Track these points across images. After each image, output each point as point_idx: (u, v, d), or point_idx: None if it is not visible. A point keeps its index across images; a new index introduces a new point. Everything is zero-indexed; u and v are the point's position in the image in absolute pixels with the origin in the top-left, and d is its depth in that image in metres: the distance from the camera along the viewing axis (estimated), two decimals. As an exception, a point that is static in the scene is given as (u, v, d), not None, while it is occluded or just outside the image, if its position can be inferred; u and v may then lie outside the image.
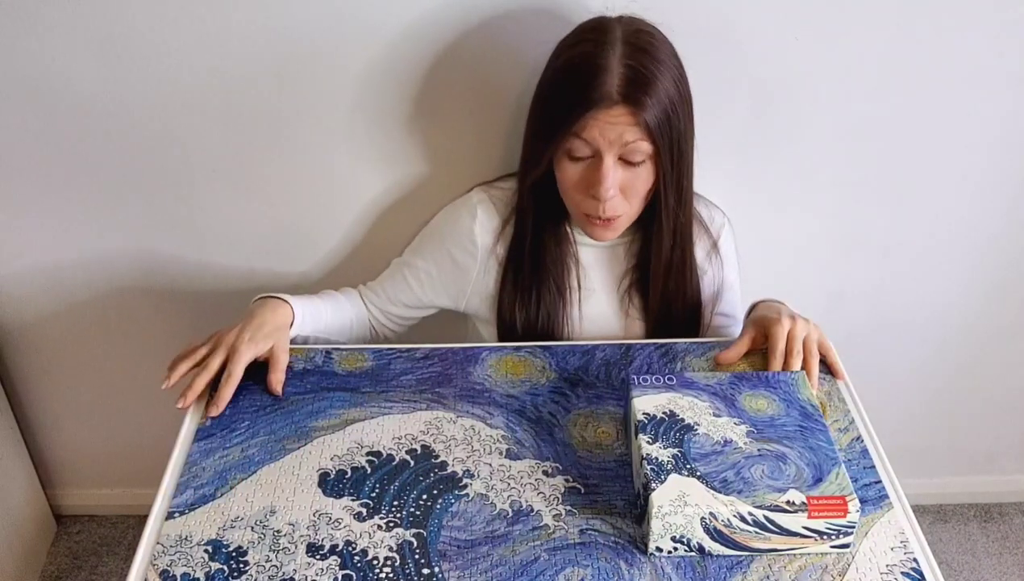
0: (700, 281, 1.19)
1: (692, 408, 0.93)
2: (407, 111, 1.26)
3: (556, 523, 0.89)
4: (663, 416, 0.92)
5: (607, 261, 1.19)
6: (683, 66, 1.06)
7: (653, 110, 1.00)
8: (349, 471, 0.94)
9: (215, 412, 1.00)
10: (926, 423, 1.70)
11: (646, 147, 1.02)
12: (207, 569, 0.84)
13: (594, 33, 1.03)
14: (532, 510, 0.90)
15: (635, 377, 0.97)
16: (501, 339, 1.20)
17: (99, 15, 1.17)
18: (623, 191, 1.05)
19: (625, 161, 1.03)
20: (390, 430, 0.99)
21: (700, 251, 1.19)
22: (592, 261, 1.19)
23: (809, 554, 0.86)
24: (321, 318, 1.17)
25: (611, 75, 0.99)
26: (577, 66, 1.02)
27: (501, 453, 0.96)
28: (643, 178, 1.05)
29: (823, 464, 0.87)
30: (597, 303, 1.19)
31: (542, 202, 1.13)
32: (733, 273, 1.24)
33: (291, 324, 1.11)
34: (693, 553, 0.86)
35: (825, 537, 0.85)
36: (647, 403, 0.93)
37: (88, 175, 1.32)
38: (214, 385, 1.03)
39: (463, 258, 1.19)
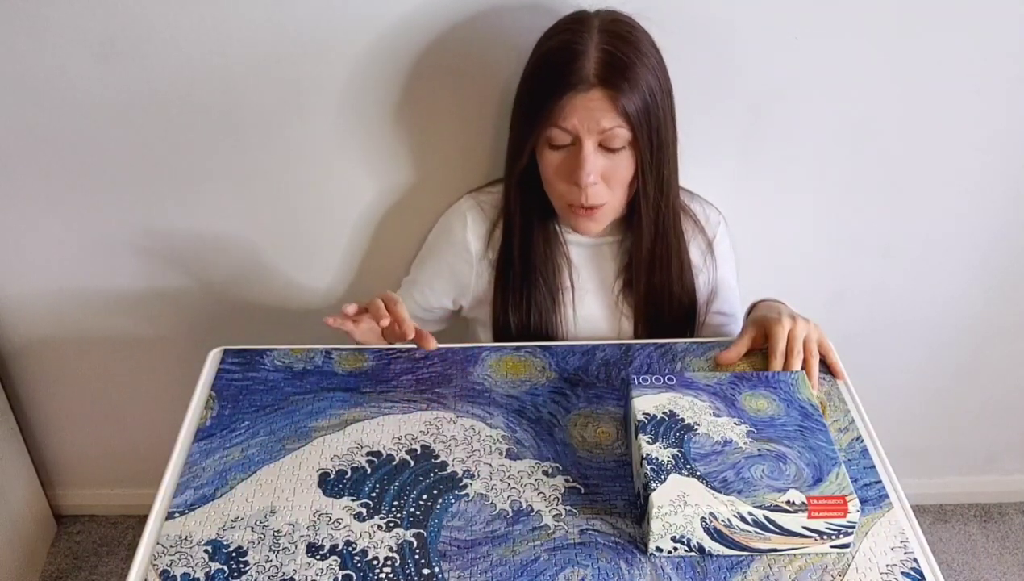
0: (695, 280, 1.19)
1: (692, 408, 0.93)
2: (400, 110, 1.26)
3: (556, 523, 0.89)
4: (663, 416, 0.92)
5: (598, 260, 1.19)
6: (662, 59, 1.06)
7: (631, 95, 1.00)
8: (349, 471, 0.94)
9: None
10: (926, 423, 1.70)
11: (625, 133, 1.02)
12: (207, 569, 0.84)
13: (572, 23, 1.04)
14: (532, 510, 0.90)
15: (635, 377, 0.97)
16: (497, 342, 1.20)
17: (99, 15, 1.17)
18: (604, 179, 1.05)
19: (605, 148, 1.03)
20: (390, 430, 0.99)
21: (695, 250, 1.19)
22: (583, 260, 1.19)
23: (809, 554, 0.86)
24: None
25: (588, 59, 0.99)
26: (555, 53, 1.03)
27: (501, 453, 0.96)
28: (624, 165, 1.05)
29: (823, 464, 0.87)
30: (590, 303, 1.19)
31: (529, 200, 1.13)
32: (730, 271, 1.24)
33: None
34: (693, 553, 0.86)
35: (825, 537, 0.85)
36: (647, 403, 0.93)
37: (87, 176, 1.32)
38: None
39: (459, 266, 1.20)
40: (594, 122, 1.01)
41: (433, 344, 1.06)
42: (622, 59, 1.00)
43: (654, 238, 1.13)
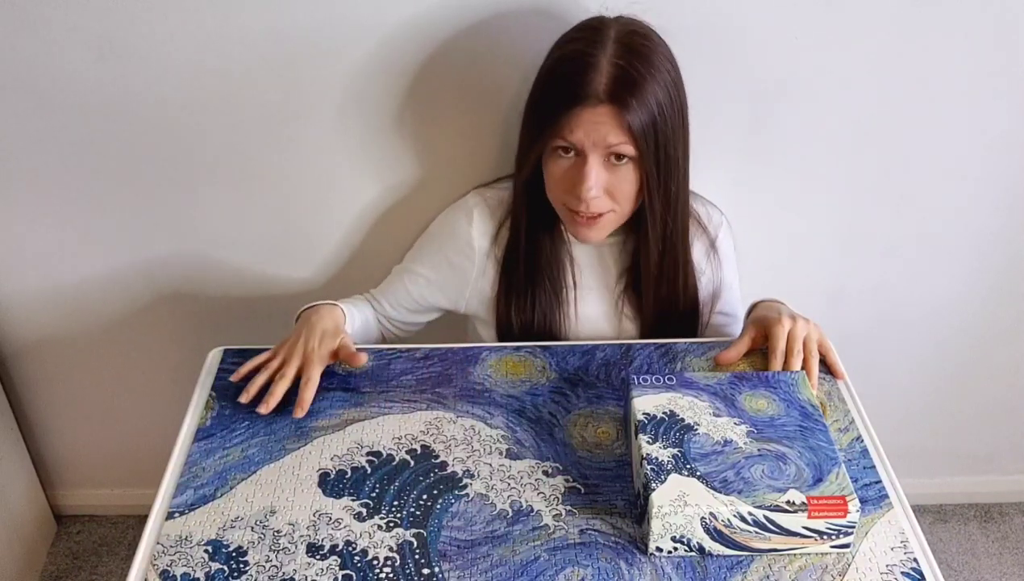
0: (698, 281, 1.19)
1: (692, 408, 0.93)
2: (404, 112, 1.26)
3: (556, 523, 0.89)
4: (663, 416, 0.92)
5: (602, 261, 1.19)
6: (679, 72, 1.05)
7: (639, 113, 0.99)
8: (349, 471, 0.94)
9: (301, 414, 1.00)
10: (926, 423, 1.70)
11: (630, 150, 1.01)
12: (207, 569, 0.84)
13: (588, 32, 1.04)
14: (532, 510, 0.90)
15: (635, 377, 0.97)
16: (500, 340, 1.20)
17: (99, 15, 1.17)
18: (608, 192, 1.05)
19: (610, 163, 1.03)
20: (390, 430, 0.99)
21: (698, 250, 1.19)
22: (587, 261, 1.19)
23: (809, 554, 0.86)
24: (356, 320, 1.19)
25: (599, 73, 0.99)
26: (567, 63, 1.03)
27: (501, 453, 0.96)
28: (628, 180, 1.05)
29: (823, 464, 0.87)
30: (593, 303, 1.19)
31: (536, 201, 1.13)
32: (732, 272, 1.24)
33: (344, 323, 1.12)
34: (693, 553, 0.86)
35: (825, 537, 0.85)
36: (647, 403, 0.93)
37: (87, 176, 1.32)
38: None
39: (460, 262, 1.20)
40: (600, 137, 1.00)
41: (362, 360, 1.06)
42: (634, 76, 0.99)
43: (661, 253, 1.13)
